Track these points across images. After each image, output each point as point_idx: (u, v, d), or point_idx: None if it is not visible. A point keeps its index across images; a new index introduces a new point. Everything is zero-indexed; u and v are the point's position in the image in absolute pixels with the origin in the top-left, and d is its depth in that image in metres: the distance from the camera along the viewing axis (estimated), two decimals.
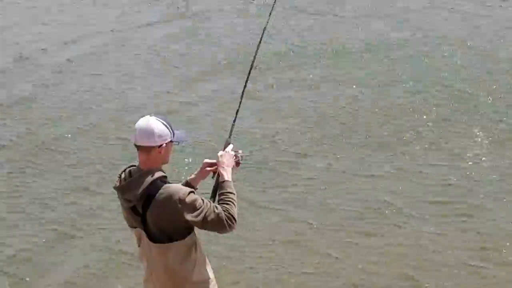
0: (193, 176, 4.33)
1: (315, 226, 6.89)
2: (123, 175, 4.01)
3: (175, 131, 4.01)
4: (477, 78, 9.99)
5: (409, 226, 6.82)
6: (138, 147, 3.94)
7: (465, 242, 6.56)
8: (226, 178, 4.10)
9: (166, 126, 3.94)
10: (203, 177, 4.34)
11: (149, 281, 4.10)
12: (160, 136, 3.90)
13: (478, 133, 8.45)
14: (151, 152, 3.91)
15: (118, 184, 4.00)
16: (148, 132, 3.89)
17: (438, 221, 6.88)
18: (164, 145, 3.93)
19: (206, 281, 4.09)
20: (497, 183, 7.47)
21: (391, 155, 8.11)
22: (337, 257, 6.42)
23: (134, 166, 4.02)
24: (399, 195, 7.33)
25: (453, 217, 6.93)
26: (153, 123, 3.91)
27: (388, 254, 6.45)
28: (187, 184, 4.28)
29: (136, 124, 3.95)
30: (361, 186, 7.55)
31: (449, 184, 7.48)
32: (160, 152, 3.93)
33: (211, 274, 4.13)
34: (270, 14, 5.12)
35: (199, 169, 4.33)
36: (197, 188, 4.31)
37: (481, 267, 6.21)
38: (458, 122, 8.79)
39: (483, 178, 7.57)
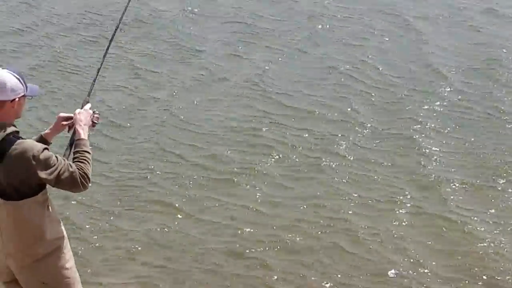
0: (47, 130, 4.25)
1: None
2: None
3: (28, 85, 3.89)
4: None
5: None
6: None
7: None
8: (82, 136, 4.04)
9: (19, 79, 3.81)
10: (58, 132, 4.25)
11: None
12: (13, 90, 3.78)
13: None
14: (4, 107, 3.78)
15: None
16: (0, 86, 3.75)
17: None
18: (17, 99, 3.81)
19: (60, 238, 4.04)
20: None
21: None
22: None
23: None
24: None
25: None
26: (5, 76, 3.77)
27: None
28: (42, 138, 4.20)
29: None
30: None
31: None
32: (13, 107, 3.81)
33: (64, 232, 4.08)
34: None
35: (54, 123, 4.24)
36: (51, 143, 4.24)
37: None
38: None
39: None
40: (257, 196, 6.83)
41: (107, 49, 4.66)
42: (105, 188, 6.90)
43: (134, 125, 8.04)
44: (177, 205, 6.68)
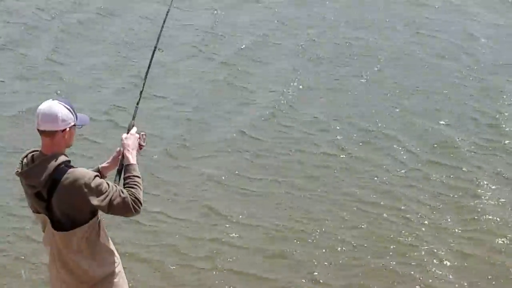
0: (105, 164, 4.32)
1: None
2: (25, 161, 3.94)
3: (78, 114, 3.98)
4: None
5: None
6: (41, 132, 3.88)
7: None
8: (131, 161, 4.09)
9: (69, 110, 3.90)
10: (116, 165, 4.28)
11: (53, 267, 4.06)
12: (63, 120, 3.86)
13: None
14: (55, 137, 3.87)
15: (20, 170, 3.93)
16: (52, 116, 3.84)
17: None
18: (68, 129, 3.89)
19: (112, 263, 4.09)
20: None
21: None
22: None
23: (36, 151, 3.96)
24: None
25: None
26: (56, 107, 3.86)
27: None
28: (98, 171, 4.27)
29: (38, 108, 3.88)
30: None
31: None
32: (64, 137, 3.89)
33: (116, 257, 4.14)
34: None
35: (112, 157, 4.31)
36: (106, 177, 4.27)
37: None
38: None
39: None
40: None
41: (148, 70, 4.65)
42: None
43: None
44: None
